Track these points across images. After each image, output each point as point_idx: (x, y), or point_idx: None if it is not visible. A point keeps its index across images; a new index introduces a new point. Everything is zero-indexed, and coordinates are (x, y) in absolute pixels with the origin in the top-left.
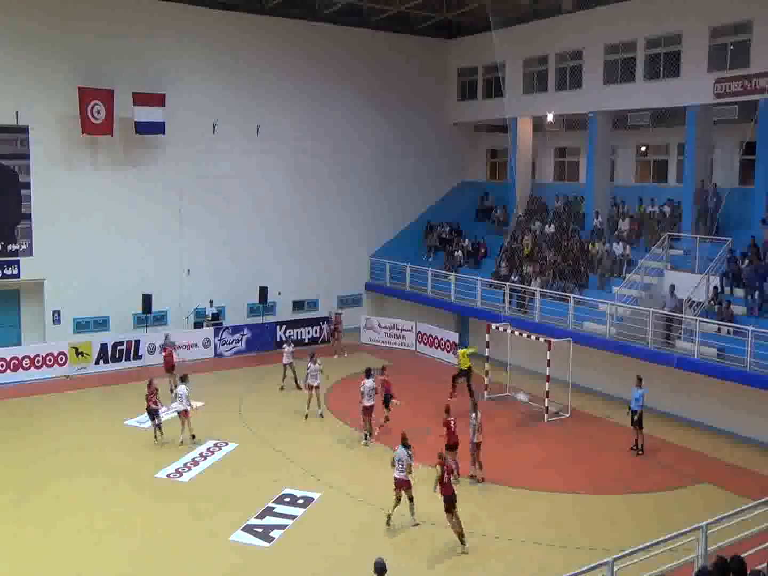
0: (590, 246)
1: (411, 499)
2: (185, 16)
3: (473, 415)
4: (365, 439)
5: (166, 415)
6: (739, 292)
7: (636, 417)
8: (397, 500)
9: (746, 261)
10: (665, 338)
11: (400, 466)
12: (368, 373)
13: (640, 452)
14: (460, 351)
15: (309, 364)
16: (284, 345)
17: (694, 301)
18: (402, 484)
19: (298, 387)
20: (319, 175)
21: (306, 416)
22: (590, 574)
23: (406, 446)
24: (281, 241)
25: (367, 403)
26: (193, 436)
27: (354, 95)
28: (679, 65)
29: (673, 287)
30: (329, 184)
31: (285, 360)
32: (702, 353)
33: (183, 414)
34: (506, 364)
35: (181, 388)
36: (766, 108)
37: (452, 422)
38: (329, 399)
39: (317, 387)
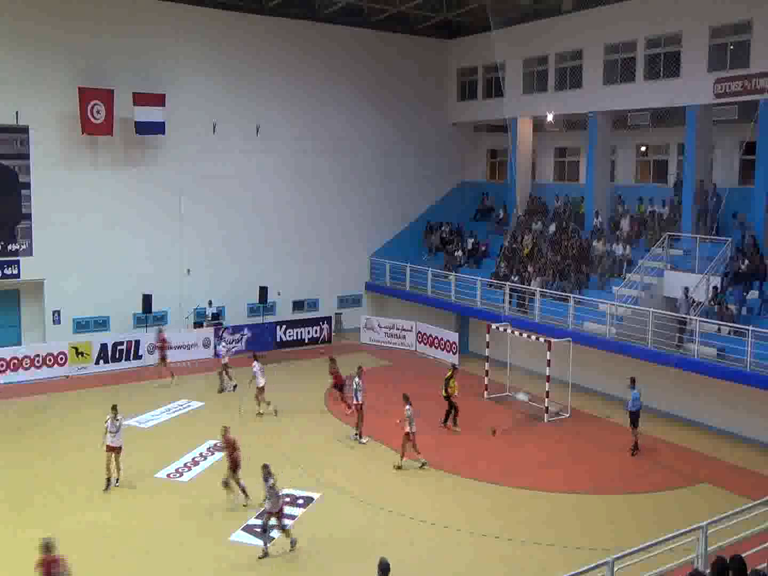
0: (591, 245)
1: (283, 527)
2: (185, 16)
3: (407, 407)
4: (353, 436)
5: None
6: (739, 291)
7: (633, 417)
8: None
9: (746, 260)
10: (678, 341)
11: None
12: (359, 373)
13: (636, 451)
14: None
15: (254, 363)
16: (221, 344)
17: (694, 301)
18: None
19: (219, 390)
20: (319, 175)
21: (258, 413)
22: (590, 574)
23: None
24: (281, 241)
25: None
26: (116, 480)
27: (354, 95)
28: (679, 65)
29: (687, 289)
30: (329, 184)
31: (224, 360)
32: (702, 353)
33: (112, 449)
34: (506, 364)
35: (110, 423)
36: (766, 108)
37: (236, 441)
38: (329, 399)
39: (261, 388)
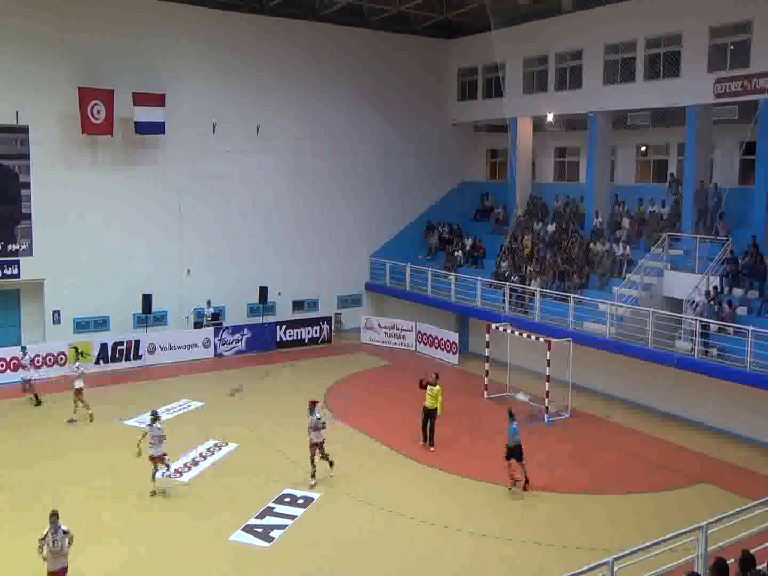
0: (591, 245)
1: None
2: (185, 16)
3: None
4: (312, 478)
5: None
6: (739, 291)
7: (512, 451)
8: None
9: (746, 260)
10: (703, 345)
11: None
12: (312, 407)
13: (526, 486)
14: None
15: (77, 364)
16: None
17: (694, 301)
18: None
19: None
20: (319, 175)
21: (69, 420)
22: (590, 574)
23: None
24: (281, 240)
25: (314, 439)
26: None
27: (354, 95)
28: (679, 65)
29: (708, 293)
30: (329, 184)
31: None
32: (702, 353)
33: (54, 574)
34: (506, 364)
35: (49, 537)
36: (766, 108)
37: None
38: (328, 399)
39: (78, 390)
